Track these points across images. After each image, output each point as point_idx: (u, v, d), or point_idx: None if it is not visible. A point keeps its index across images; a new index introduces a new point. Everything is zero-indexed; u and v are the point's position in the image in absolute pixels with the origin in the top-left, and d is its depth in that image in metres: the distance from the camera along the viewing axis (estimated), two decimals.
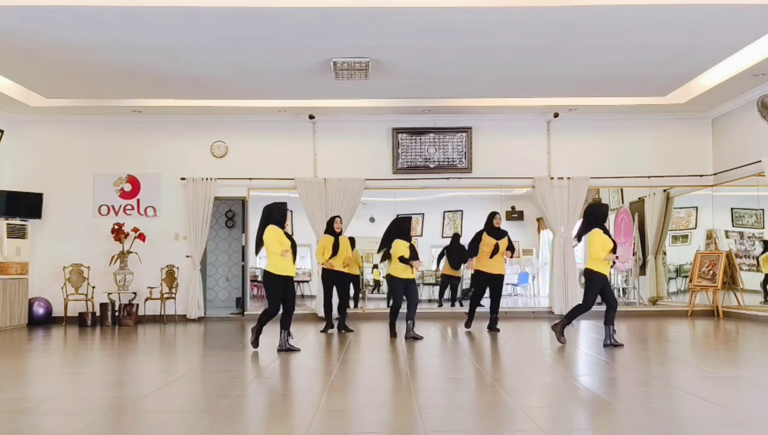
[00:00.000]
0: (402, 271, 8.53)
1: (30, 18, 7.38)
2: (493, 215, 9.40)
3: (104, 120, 11.70)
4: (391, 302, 9.11)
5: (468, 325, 9.51)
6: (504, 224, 9.62)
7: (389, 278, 8.76)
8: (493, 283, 9.28)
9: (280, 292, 7.30)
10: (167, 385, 5.55)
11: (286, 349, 7.31)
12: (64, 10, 7.19)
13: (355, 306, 11.83)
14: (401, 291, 8.60)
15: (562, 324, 7.72)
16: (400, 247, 8.52)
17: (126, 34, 7.88)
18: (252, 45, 8.32)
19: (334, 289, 9.62)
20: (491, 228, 9.30)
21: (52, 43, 8.13)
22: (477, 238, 9.35)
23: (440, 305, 12.96)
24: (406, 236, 8.63)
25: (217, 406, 4.54)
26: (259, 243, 7.40)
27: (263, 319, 7.42)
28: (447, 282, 13.05)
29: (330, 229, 9.57)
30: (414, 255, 8.55)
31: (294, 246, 7.34)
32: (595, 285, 7.44)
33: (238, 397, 4.90)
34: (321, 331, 9.47)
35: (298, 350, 7.39)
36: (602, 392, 5.09)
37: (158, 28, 7.73)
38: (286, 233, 7.34)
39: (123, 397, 5.12)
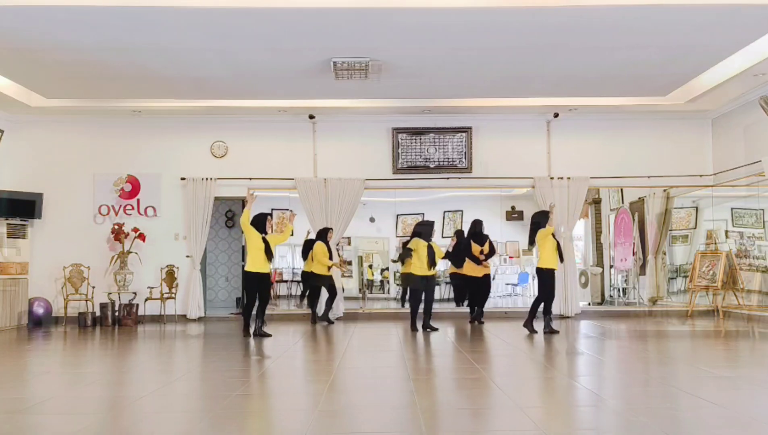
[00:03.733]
0: (419, 269, 9.28)
1: (30, 18, 7.38)
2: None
3: (104, 120, 11.68)
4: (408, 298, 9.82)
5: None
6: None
7: (409, 276, 9.47)
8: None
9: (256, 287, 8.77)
10: (167, 385, 5.55)
11: (260, 334, 8.69)
12: (64, 10, 7.19)
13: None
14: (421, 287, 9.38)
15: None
16: (418, 245, 9.27)
17: (126, 34, 7.88)
18: (252, 45, 8.32)
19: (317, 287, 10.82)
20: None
21: (52, 43, 8.13)
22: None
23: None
24: (428, 237, 9.38)
25: (217, 406, 4.54)
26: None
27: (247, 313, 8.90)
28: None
29: (324, 238, 10.69)
30: (431, 255, 9.26)
31: (268, 247, 8.70)
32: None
33: (238, 397, 4.90)
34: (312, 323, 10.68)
35: (270, 335, 8.69)
36: (602, 392, 5.10)
37: (158, 28, 7.73)
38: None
39: (123, 397, 5.12)
